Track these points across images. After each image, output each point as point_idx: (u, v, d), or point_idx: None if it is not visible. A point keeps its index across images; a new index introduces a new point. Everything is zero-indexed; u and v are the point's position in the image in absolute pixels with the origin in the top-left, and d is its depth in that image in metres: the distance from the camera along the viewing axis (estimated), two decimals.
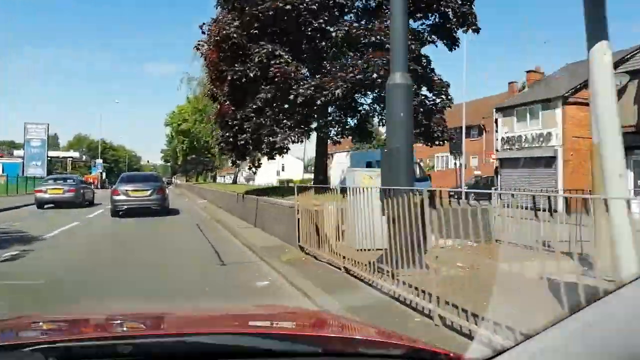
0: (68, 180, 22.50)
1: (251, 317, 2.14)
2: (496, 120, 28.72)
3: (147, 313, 2.28)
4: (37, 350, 1.20)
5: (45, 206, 20.35)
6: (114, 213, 16.17)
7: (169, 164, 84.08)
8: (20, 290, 5.88)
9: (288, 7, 12.19)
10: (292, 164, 67.28)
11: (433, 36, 14.63)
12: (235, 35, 12.97)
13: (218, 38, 13.38)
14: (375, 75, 12.06)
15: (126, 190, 16.29)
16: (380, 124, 16.43)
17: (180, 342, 1.38)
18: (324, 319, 2.31)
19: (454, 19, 13.98)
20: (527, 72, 31.81)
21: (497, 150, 28.79)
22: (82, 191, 21.82)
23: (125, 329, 1.74)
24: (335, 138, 15.48)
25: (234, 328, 1.74)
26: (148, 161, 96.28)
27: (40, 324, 1.84)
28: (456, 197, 8.98)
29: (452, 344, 3.38)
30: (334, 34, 12.77)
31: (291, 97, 12.26)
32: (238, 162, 18.25)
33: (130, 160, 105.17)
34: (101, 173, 65.78)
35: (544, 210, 6.56)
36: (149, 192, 16.39)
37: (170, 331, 1.70)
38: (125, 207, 16.02)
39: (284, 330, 1.76)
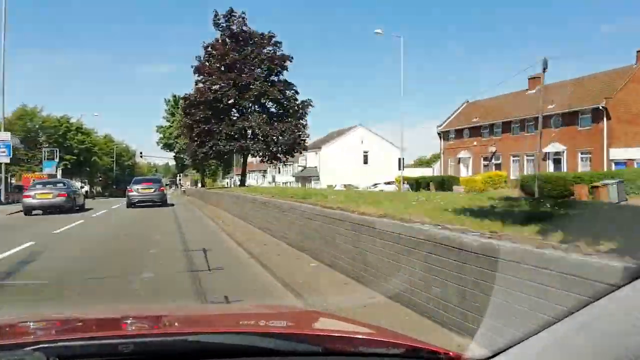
0: (58, 185, 21.96)
1: (251, 316, 2.14)
2: None
3: (148, 312, 2.27)
4: (39, 350, 1.19)
5: (34, 212, 19.51)
6: (129, 205, 23.57)
7: (171, 153, 59.38)
8: None
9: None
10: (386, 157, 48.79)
11: None
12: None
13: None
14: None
15: (137, 188, 24.25)
16: None
17: (181, 341, 1.38)
18: (324, 318, 2.31)
19: None
20: None
21: None
22: (73, 196, 21.31)
23: (126, 328, 1.74)
24: None
25: (235, 327, 1.74)
26: (141, 154, 70.61)
27: (41, 323, 1.82)
28: None
29: None
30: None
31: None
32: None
33: (121, 155, 78.43)
34: (58, 168, 40.38)
35: None
36: (152, 190, 24.26)
37: (171, 330, 1.70)
38: (137, 199, 23.63)
39: (285, 329, 1.76)
